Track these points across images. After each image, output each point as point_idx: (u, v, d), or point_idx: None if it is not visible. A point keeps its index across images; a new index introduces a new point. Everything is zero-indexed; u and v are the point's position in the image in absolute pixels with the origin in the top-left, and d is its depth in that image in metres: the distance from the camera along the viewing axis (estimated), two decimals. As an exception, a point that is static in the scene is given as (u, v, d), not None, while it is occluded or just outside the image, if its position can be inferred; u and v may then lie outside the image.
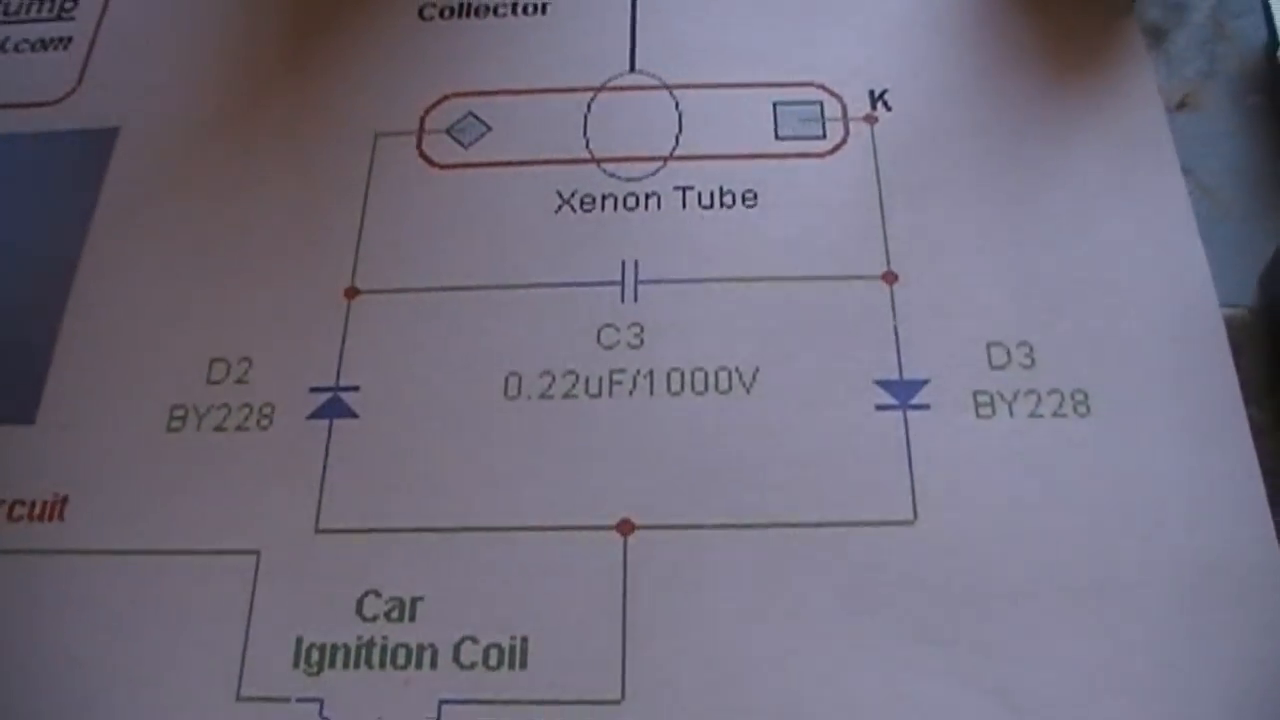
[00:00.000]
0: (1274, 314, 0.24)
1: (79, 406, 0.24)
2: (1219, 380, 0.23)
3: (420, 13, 0.29)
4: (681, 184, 0.26)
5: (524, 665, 0.21)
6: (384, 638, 0.21)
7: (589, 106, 0.27)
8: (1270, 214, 0.26)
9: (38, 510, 0.23)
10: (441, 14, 0.29)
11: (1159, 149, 0.26)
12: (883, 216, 0.25)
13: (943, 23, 0.27)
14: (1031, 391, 0.23)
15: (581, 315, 0.24)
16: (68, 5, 0.30)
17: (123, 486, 0.23)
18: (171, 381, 0.24)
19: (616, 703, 0.21)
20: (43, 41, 0.29)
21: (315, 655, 0.21)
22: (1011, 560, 0.21)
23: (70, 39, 0.29)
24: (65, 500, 0.23)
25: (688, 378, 0.23)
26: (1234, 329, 0.24)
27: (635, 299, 0.24)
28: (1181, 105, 0.27)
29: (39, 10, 0.30)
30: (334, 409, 0.24)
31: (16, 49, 0.29)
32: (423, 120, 0.27)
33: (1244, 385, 0.23)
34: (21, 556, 0.23)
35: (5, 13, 0.30)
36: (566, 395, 0.23)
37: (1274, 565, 0.21)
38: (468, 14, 0.29)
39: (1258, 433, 0.23)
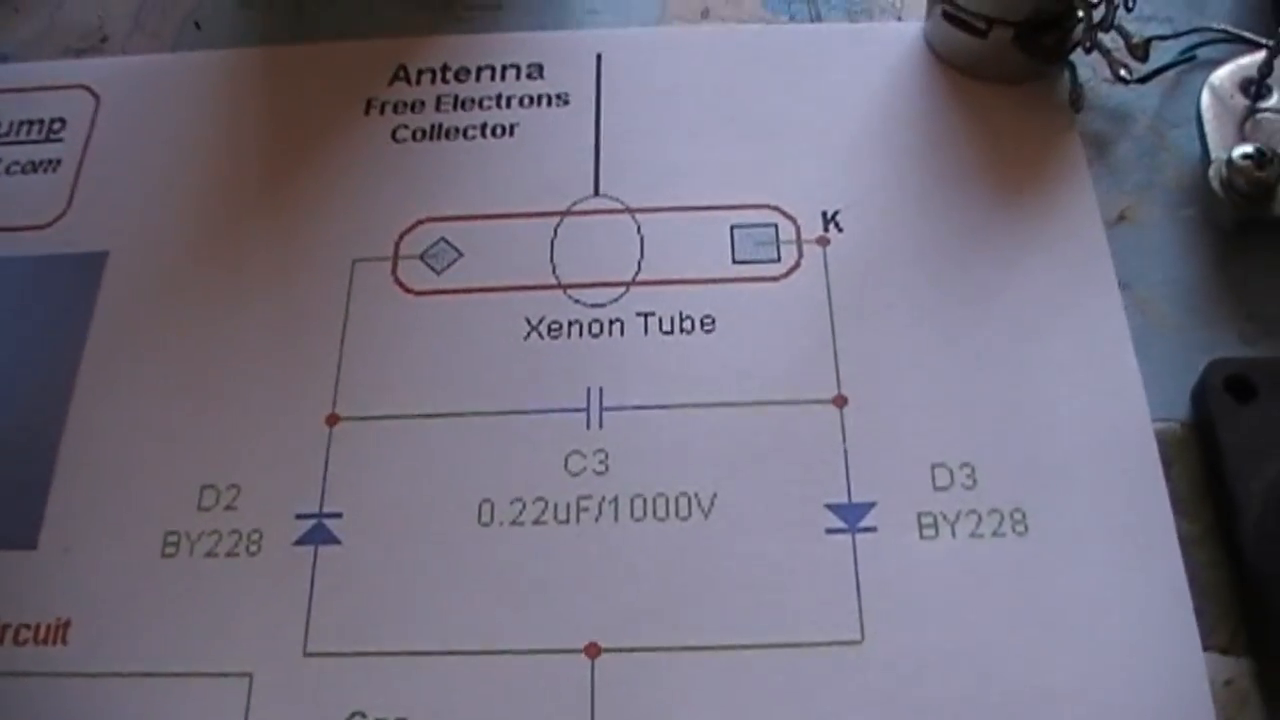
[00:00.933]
0: (1204, 428, 0.26)
1: (79, 531, 0.26)
2: (1150, 495, 0.25)
3: (393, 135, 0.30)
4: (643, 309, 0.27)
5: (501, 787, 0.22)
6: (370, 760, 0.23)
7: (555, 231, 0.28)
8: (1203, 327, 0.27)
9: (42, 634, 0.25)
10: (414, 135, 0.30)
11: (1097, 266, 0.27)
12: (834, 339, 0.26)
13: (892, 144, 0.29)
14: (973, 512, 0.25)
15: (550, 442, 0.26)
16: (55, 126, 0.31)
17: (122, 610, 0.25)
18: (165, 508, 0.26)
19: (586, 823, 0.22)
20: (33, 163, 0.31)
21: (306, 778, 0.23)
22: (955, 675, 0.23)
23: (59, 161, 0.31)
24: (68, 624, 0.25)
25: (650, 504, 0.25)
26: (1166, 443, 0.26)
27: (600, 425, 0.26)
28: (1120, 219, 0.28)
29: (29, 131, 0.31)
30: (318, 535, 0.25)
31: (8, 171, 0.31)
32: (397, 246, 0.28)
33: (1175, 498, 0.25)
34: (27, 679, 0.24)
35: (-3, 133, 0.31)
36: (536, 522, 0.25)
37: (1198, 674, 0.23)
38: (438, 136, 0.30)
39: (1187, 543, 0.24)
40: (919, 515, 0.24)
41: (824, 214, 0.28)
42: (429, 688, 0.23)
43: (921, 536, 0.24)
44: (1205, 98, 0.28)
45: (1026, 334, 0.26)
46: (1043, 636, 0.23)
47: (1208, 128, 0.28)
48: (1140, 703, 0.23)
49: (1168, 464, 0.25)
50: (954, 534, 0.24)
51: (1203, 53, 0.30)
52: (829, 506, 0.25)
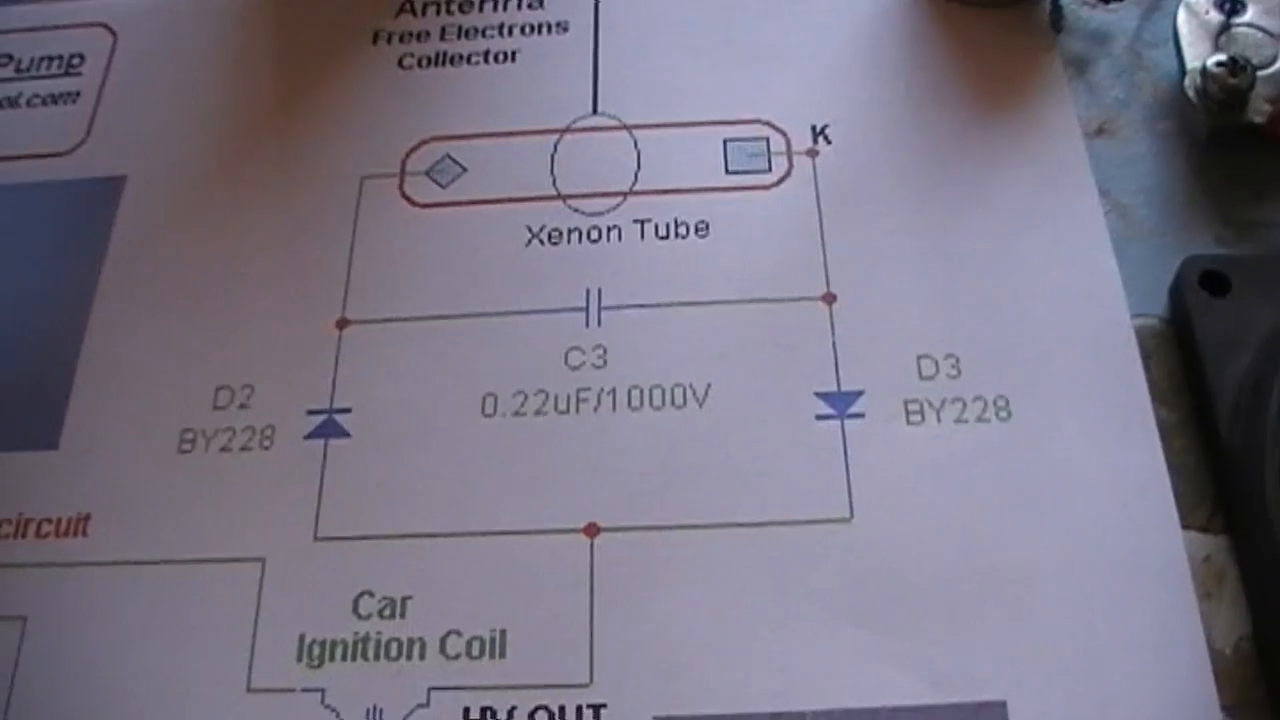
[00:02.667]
0: (1181, 323, 0.27)
1: (98, 432, 0.27)
2: (1129, 383, 0.26)
3: (399, 62, 0.31)
4: (640, 217, 0.28)
5: (503, 655, 0.23)
6: (378, 633, 0.24)
7: (555, 147, 0.29)
8: (1180, 230, 0.28)
9: (63, 527, 0.26)
10: (419, 63, 0.31)
11: (1077, 173, 0.28)
12: (823, 242, 0.27)
13: (878, 61, 0.30)
14: (958, 399, 0.25)
15: (550, 340, 0.27)
16: (75, 62, 0.32)
17: (140, 504, 0.26)
18: (181, 407, 0.27)
19: (586, 685, 0.23)
20: (53, 96, 0.32)
21: (316, 650, 0.24)
22: (939, 553, 0.24)
23: (78, 93, 0.32)
24: (88, 518, 0.26)
25: (646, 394, 0.26)
26: (1145, 337, 0.26)
27: (599, 324, 0.27)
28: (1100, 131, 0.29)
29: (48, 66, 0.32)
30: (329, 429, 0.26)
31: (28, 104, 0.32)
32: (404, 163, 0.29)
33: (1154, 388, 0.26)
34: (49, 569, 0.25)
35: (17, 70, 0.33)
36: (538, 413, 0.26)
37: (1176, 551, 0.24)
38: (443, 63, 0.31)
39: (1165, 430, 0.25)
40: (905, 403, 0.25)
41: (813, 128, 0.29)
42: (434, 567, 0.24)
43: (908, 422, 0.25)
44: (1181, 14, 0.29)
45: (1009, 236, 0.27)
46: (1026, 516, 0.24)
47: (1184, 42, 0.29)
48: (1122, 578, 0.24)
49: (1146, 356, 0.26)
50: (939, 420, 0.25)
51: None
52: (819, 395, 0.26)
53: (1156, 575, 0.24)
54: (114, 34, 0.33)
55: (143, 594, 0.25)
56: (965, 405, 0.25)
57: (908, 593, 0.24)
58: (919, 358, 0.26)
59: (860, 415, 0.25)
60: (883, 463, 0.25)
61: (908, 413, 0.25)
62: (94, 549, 0.25)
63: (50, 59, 0.32)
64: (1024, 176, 0.28)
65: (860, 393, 0.26)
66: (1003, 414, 0.25)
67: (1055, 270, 0.27)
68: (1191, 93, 0.28)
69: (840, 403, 0.25)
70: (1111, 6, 0.30)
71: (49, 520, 0.26)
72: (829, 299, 0.27)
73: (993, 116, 0.29)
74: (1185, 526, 0.24)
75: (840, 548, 0.24)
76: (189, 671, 0.24)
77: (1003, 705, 0.23)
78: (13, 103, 0.32)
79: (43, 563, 0.25)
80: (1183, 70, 0.29)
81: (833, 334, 0.26)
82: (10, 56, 0.33)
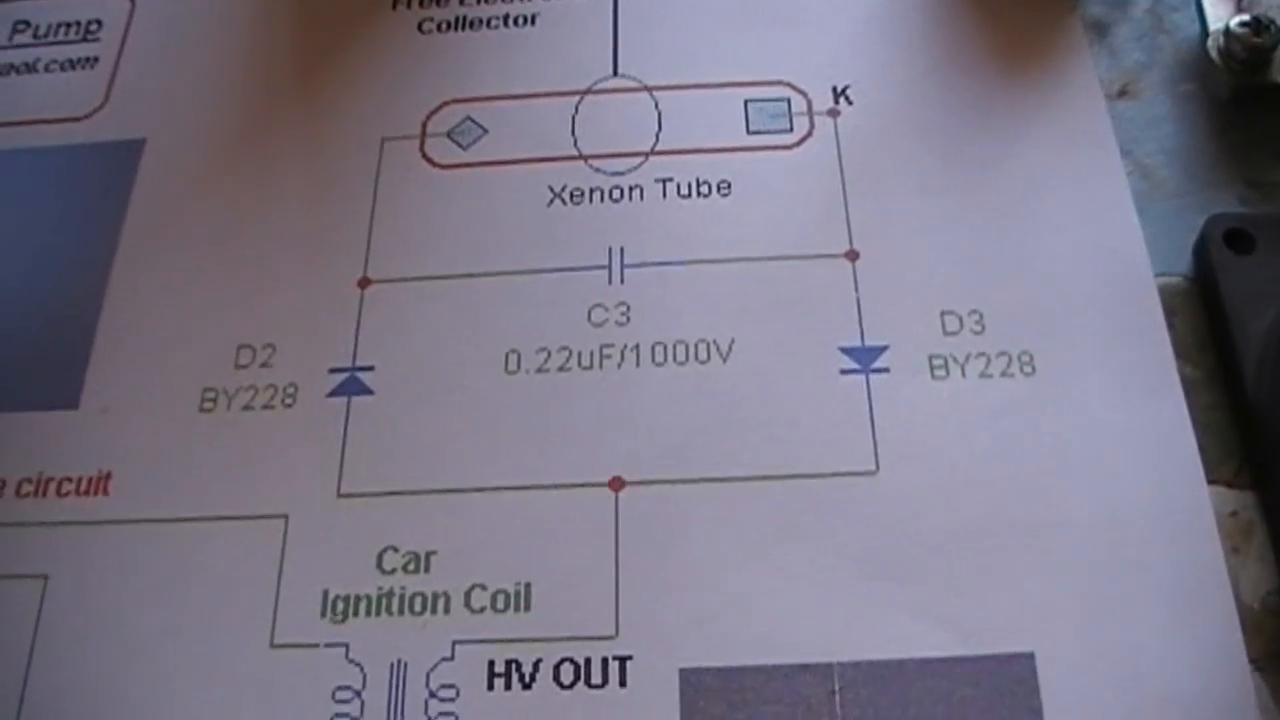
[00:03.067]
0: (1205, 280, 0.26)
1: (118, 391, 0.27)
2: (1153, 340, 0.25)
3: (419, 26, 0.31)
4: (662, 177, 0.28)
5: (528, 608, 0.23)
6: (402, 588, 0.24)
7: (576, 109, 0.29)
8: (1202, 191, 0.28)
9: (84, 486, 0.26)
10: (439, 27, 0.31)
11: (1099, 134, 0.28)
12: (845, 201, 0.27)
13: (899, 22, 0.30)
14: (982, 354, 0.25)
15: (573, 297, 0.26)
16: (92, 28, 0.32)
17: (161, 462, 0.26)
18: (202, 367, 0.27)
19: (611, 638, 0.23)
20: (70, 61, 0.32)
21: (340, 605, 0.24)
22: (963, 505, 0.24)
23: (96, 59, 0.32)
24: (109, 476, 0.26)
25: (670, 350, 0.26)
26: (1169, 295, 0.26)
27: (622, 281, 0.27)
28: (1122, 93, 0.29)
29: (66, 33, 0.32)
30: (351, 387, 0.26)
31: (46, 69, 0.32)
32: (424, 125, 0.29)
33: (1178, 345, 0.26)
34: (70, 528, 0.25)
35: (35, 35, 0.33)
36: (561, 369, 0.26)
37: (1203, 505, 0.24)
38: (463, 27, 0.31)
39: (1190, 387, 0.25)
40: (930, 357, 0.25)
41: (834, 89, 0.29)
42: (458, 522, 0.24)
43: (933, 377, 0.25)
44: (1203, -25, 0.29)
45: (1031, 196, 0.27)
46: (1051, 470, 0.24)
47: (1206, 3, 0.29)
48: (1149, 531, 0.23)
49: (1170, 314, 0.26)
50: (964, 374, 0.25)
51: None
52: (843, 349, 0.25)
53: (1183, 529, 0.24)
54: (132, 1, 0.33)
55: (165, 552, 0.25)
56: (989, 360, 0.25)
57: (934, 545, 0.23)
58: (943, 313, 0.26)
59: (885, 370, 0.25)
60: (907, 417, 0.25)
61: (932, 367, 0.25)
62: (116, 507, 0.25)
63: (68, 25, 0.32)
64: (1046, 137, 0.28)
65: (884, 347, 0.25)
66: (1027, 369, 0.25)
67: (1078, 229, 0.27)
68: (1214, 53, 0.28)
69: (865, 357, 0.25)
70: (1131, -31, 0.30)
71: (70, 479, 0.26)
72: (852, 256, 0.27)
73: (1014, 78, 0.29)
74: (1212, 481, 0.24)
75: (866, 500, 0.24)
76: (212, 628, 0.24)
77: (1030, 656, 0.22)
78: (30, 68, 0.32)
79: (64, 521, 0.25)
80: (1205, 31, 0.29)
81: (856, 290, 0.26)
82: (28, 23, 0.33)
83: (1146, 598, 0.23)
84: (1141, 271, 0.26)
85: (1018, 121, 0.28)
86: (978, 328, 0.26)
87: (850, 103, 0.29)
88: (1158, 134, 0.29)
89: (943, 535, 0.24)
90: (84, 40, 0.32)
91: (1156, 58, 0.30)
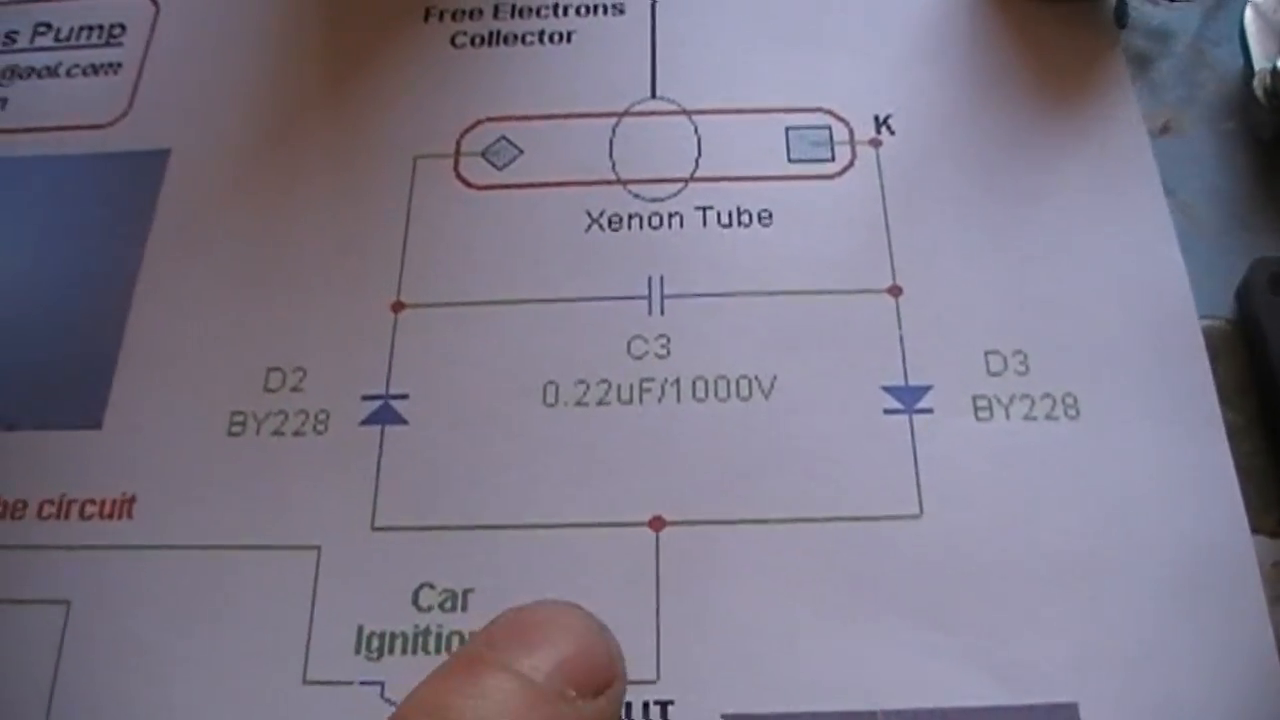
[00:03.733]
0: (1248, 324, 0.26)
1: (143, 413, 0.26)
2: (1197, 384, 0.25)
3: (452, 40, 0.31)
4: (702, 204, 0.28)
5: (568, 649, 0.23)
6: (439, 626, 0.23)
7: (614, 130, 0.29)
8: (1245, 232, 0.28)
9: (107, 509, 0.25)
10: (473, 41, 0.30)
11: (1143, 171, 0.28)
12: (888, 233, 0.27)
13: (942, 52, 0.29)
14: (1026, 396, 0.25)
15: (612, 327, 0.26)
16: (115, 31, 0.32)
17: (188, 486, 0.25)
18: (230, 389, 0.26)
19: (653, 682, 0.23)
20: (93, 66, 0.31)
21: (375, 642, 0.23)
22: (1009, 549, 0.24)
23: (119, 64, 0.31)
24: (133, 499, 0.25)
25: (711, 385, 0.25)
26: (1212, 338, 0.26)
27: (662, 312, 0.26)
28: (1164, 130, 0.29)
29: (89, 36, 0.32)
30: (385, 415, 0.26)
31: (69, 74, 0.31)
32: (458, 144, 0.29)
33: (1221, 390, 0.25)
34: (93, 551, 0.25)
35: (57, 38, 0.32)
36: (600, 402, 0.25)
37: (1246, 552, 0.24)
38: (497, 42, 0.30)
39: (1233, 433, 0.25)
40: (974, 398, 0.25)
41: (876, 117, 0.28)
42: (496, 559, 0.24)
43: (977, 418, 0.25)
44: (1249, 13, 0.29)
45: (1075, 233, 0.27)
46: (1094, 513, 0.24)
47: (1251, 41, 0.29)
48: (1191, 580, 0.23)
49: (1213, 357, 0.26)
50: (1008, 416, 0.25)
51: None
52: (886, 389, 0.25)
53: (1226, 578, 0.23)
54: (155, 4, 0.32)
55: (191, 579, 0.24)
56: (1034, 402, 0.25)
57: (979, 591, 0.23)
58: (987, 353, 0.26)
59: (929, 410, 0.25)
60: (952, 458, 0.24)
61: (976, 408, 0.25)
62: (140, 531, 0.25)
63: (90, 28, 0.32)
64: (1090, 172, 0.28)
65: (928, 387, 0.25)
66: (1071, 411, 0.25)
67: (1122, 268, 0.27)
68: (1260, 93, 0.28)
69: (908, 397, 0.25)
70: (1175, 5, 0.30)
71: (93, 501, 0.25)
72: (895, 291, 0.26)
73: (1057, 111, 0.29)
74: (1255, 531, 0.24)
75: (909, 544, 0.24)
76: (242, 661, 0.23)
77: (1074, 707, 0.22)
78: (52, 72, 0.31)
79: (87, 545, 0.25)
80: (1250, 68, 0.29)
81: (899, 327, 0.26)
82: (49, 25, 0.32)
83: (1188, 647, 0.23)
84: (1186, 313, 0.26)
85: (1060, 155, 0.28)
86: (1022, 368, 0.25)
87: (892, 132, 0.28)
88: (1200, 172, 0.28)
89: (987, 580, 0.23)
90: (107, 45, 0.31)
91: (1198, 94, 0.30)
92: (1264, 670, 0.23)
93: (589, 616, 0.20)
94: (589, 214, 0.28)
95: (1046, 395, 0.25)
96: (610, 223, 0.27)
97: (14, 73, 0.31)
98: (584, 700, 0.19)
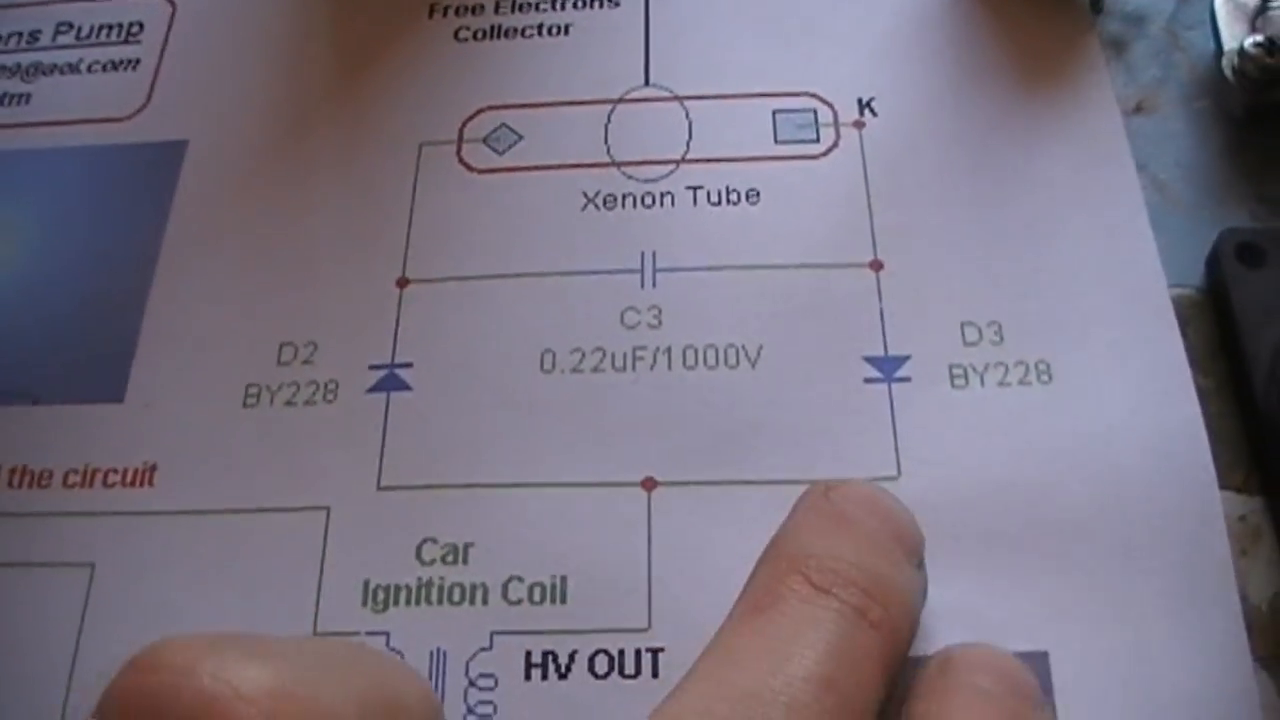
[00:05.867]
0: (1217, 292, 0.27)
1: (163, 387, 0.28)
2: (1167, 350, 0.26)
3: (455, 35, 0.32)
4: (692, 184, 0.29)
5: (564, 600, 0.24)
6: (441, 578, 0.25)
7: (609, 117, 0.30)
8: (1215, 205, 0.29)
9: (129, 477, 0.27)
10: (475, 35, 0.32)
11: (1115, 149, 0.29)
12: (870, 211, 0.28)
13: (921, 38, 0.31)
14: (1000, 363, 0.26)
15: (607, 300, 0.27)
16: (134, 30, 0.33)
17: (206, 455, 0.27)
18: (245, 364, 0.28)
19: (644, 630, 0.24)
20: (113, 63, 0.33)
21: (381, 595, 0.25)
22: (983, 508, 0.25)
23: (138, 61, 0.33)
24: (154, 468, 0.27)
25: (700, 354, 0.27)
26: (1183, 306, 0.27)
27: (654, 285, 0.27)
28: (1138, 109, 0.30)
29: (108, 35, 0.33)
30: (390, 383, 0.27)
31: (89, 70, 0.33)
32: (461, 131, 0.30)
33: (1190, 355, 0.26)
34: (116, 518, 0.26)
35: (77, 37, 0.33)
36: (595, 370, 0.27)
37: (1215, 510, 0.25)
38: (498, 36, 0.32)
39: (1203, 395, 0.26)
40: (950, 367, 0.26)
41: (859, 101, 0.30)
42: (495, 516, 0.25)
43: (953, 385, 0.26)
44: (1218, -3, 0.30)
45: (1050, 209, 0.28)
46: (1067, 474, 0.25)
47: (1221, 24, 0.30)
48: (1160, 533, 0.24)
49: (1183, 325, 0.27)
50: (983, 383, 0.26)
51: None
52: (866, 359, 0.26)
53: (1194, 532, 0.24)
54: (173, 4, 0.33)
55: (209, 541, 0.26)
56: (1008, 369, 0.26)
57: (953, 547, 0.24)
58: (963, 324, 0.27)
59: (907, 379, 0.26)
60: (928, 423, 0.26)
61: (952, 376, 0.26)
62: (161, 498, 0.26)
63: (109, 27, 0.33)
64: (1065, 152, 0.29)
65: (907, 357, 0.26)
66: (1044, 377, 0.26)
67: (1095, 241, 0.28)
68: (1229, 72, 0.29)
69: (887, 366, 0.26)
70: (1148, -10, 0.31)
71: (115, 470, 0.27)
72: (876, 266, 0.27)
73: (1034, 94, 0.30)
74: (1222, 487, 0.25)
75: (889, 503, 0.25)
76: (256, 615, 0.25)
77: (1045, 655, 0.23)
78: (73, 68, 0.33)
79: (110, 511, 0.26)
80: (1220, 49, 0.30)
81: (880, 300, 0.27)
82: (70, 24, 0.33)
83: (1158, 598, 0.24)
84: (1156, 282, 0.27)
85: (1037, 136, 0.29)
86: (996, 338, 0.26)
87: (875, 115, 0.30)
88: (1172, 149, 0.30)
89: (961, 537, 0.24)
90: (125, 42, 0.33)
91: (1172, 75, 0.31)
92: (1230, 620, 0.24)
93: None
94: (585, 194, 0.29)
95: (1020, 362, 0.26)
96: (605, 202, 0.29)
97: (37, 70, 0.33)
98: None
